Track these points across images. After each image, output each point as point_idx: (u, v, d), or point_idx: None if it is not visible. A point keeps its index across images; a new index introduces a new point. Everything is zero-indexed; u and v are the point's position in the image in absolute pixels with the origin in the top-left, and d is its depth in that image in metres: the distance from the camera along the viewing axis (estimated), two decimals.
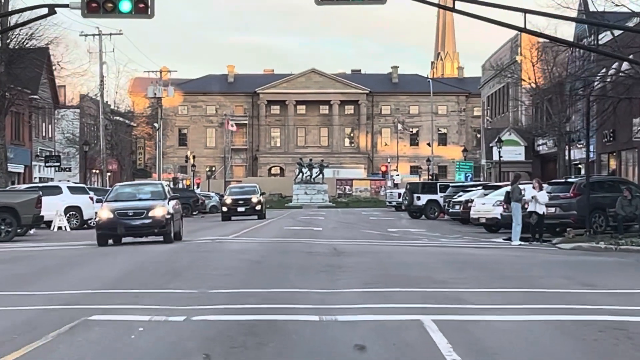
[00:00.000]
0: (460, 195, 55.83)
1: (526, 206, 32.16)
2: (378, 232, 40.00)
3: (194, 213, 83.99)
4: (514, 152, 77.49)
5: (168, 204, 33.25)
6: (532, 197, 32.03)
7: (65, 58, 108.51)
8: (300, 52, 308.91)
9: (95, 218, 38.45)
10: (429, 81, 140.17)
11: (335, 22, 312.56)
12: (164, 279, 18.17)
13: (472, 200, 49.50)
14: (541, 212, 32.21)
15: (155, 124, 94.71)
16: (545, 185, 40.18)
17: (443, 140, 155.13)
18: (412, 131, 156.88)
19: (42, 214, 40.16)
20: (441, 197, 62.83)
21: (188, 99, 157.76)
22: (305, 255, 24.20)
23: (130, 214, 31.60)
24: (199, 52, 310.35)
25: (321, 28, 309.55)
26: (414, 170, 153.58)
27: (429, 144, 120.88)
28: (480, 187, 55.92)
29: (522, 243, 31.87)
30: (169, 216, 32.01)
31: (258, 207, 61.86)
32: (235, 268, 20.65)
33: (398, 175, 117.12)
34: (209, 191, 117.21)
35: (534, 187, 32.69)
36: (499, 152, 72.00)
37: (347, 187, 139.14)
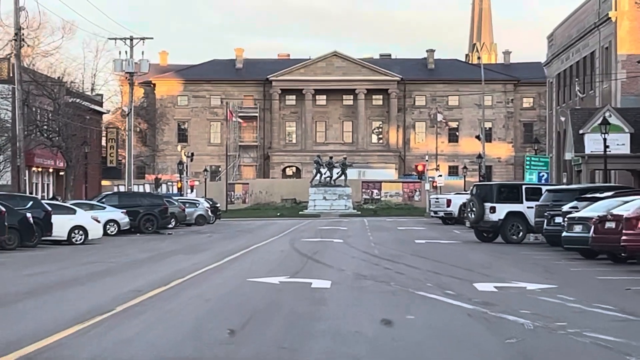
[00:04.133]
0: (575, 209, 32.41)
1: None
2: (464, 305, 16.33)
3: (169, 226, 61.48)
4: (614, 142, 53.80)
5: None
6: None
7: (32, 34, 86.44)
8: (320, 42, 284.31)
9: None
10: (479, 66, 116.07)
11: (359, 25, 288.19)
12: None
13: (612, 218, 26.35)
14: None
15: (125, 107, 71.33)
16: None
17: (487, 135, 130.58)
18: (450, 126, 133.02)
19: None
20: (529, 208, 39.44)
21: (189, 88, 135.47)
22: None
23: None
24: (202, 35, 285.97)
25: (342, 30, 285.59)
26: (453, 171, 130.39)
27: (478, 137, 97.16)
28: (613, 193, 32.62)
29: None
30: None
31: None
32: None
33: (440, 176, 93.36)
34: (204, 196, 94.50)
35: None
36: (605, 139, 48.45)
37: (375, 191, 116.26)
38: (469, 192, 71.27)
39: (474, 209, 40.60)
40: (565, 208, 33.37)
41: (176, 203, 65.96)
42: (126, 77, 71.19)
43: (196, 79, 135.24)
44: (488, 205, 40.11)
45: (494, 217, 39.95)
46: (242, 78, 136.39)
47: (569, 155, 59.31)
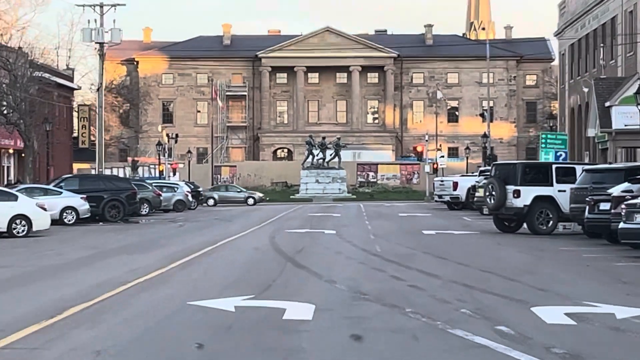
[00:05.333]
0: (630, 192, 25.74)
1: None
2: None
3: (143, 213, 55.27)
4: None
5: None
6: None
7: None
8: (312, 20, 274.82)
9: None
10: (480, 42, 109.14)
11: (353, 3, 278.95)
12: None
13: None
14: None
15: (94, 84, 64.16)
16: None
17: (489, 115, 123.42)
18: (449, 105, 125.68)
19: None
20: (560, 191, 32.65)
21: (174, 66, 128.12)
22: None
23: None
24: (189, 11, 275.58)
25: (336, 7, 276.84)
26: (453, 152, 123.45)
27: (482, 115, 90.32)
28: None
29: None
30: None
31: None
32: None
33: (442, 157, 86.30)
34: (188, 179, 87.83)
35: None
36: None
37: (371, 174, 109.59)
38: (476, 173, 64.57)
39: (493, 193, 33.62)
40: (615, 192, 26.50)
41: (150, 187, 59.16)
42: (95, 48, 63.95)
43: (182, 56, 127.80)
44: (511, 188, 33.14)
45: (519, 203, 32.99)
46: (230, 55, 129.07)
47: (592, 132, 52.39)
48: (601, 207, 27.53)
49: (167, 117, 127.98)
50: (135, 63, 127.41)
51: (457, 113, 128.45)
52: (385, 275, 18.13)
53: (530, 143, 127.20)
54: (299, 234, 32.08)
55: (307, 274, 18.25)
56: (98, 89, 64.40)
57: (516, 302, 13.99)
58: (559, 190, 32.86)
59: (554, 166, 34.05)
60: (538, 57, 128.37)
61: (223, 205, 77.53)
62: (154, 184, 63.76)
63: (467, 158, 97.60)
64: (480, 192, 50.19)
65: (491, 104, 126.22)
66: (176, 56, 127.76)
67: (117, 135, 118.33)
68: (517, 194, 32.99)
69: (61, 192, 45.24)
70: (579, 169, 33.34)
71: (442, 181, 58.96)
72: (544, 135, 57.33)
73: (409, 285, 16.24)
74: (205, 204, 77.22)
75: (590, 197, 28.38)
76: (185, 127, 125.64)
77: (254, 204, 79.90)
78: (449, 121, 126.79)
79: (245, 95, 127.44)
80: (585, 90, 55.38)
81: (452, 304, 13.82)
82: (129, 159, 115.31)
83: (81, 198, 44.93)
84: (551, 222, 33.01)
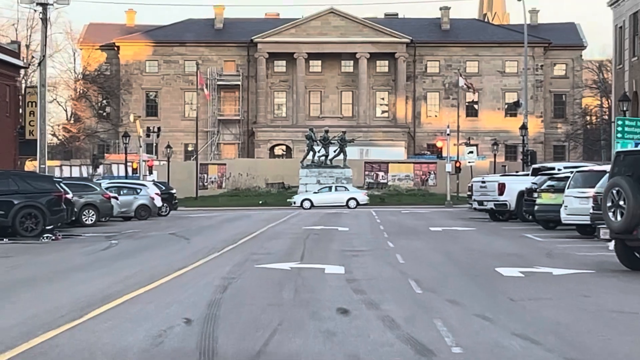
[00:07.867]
0: None
1: None
2: None
3: (88, 222, 42.47)
4: None
5: None
6: None
7: None
8: (314, 3, 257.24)
9: None
10: (501, 26, 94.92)
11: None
12: None
13: None
14: None
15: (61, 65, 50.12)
16: None
17: (512, 108, 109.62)
18: (472, 97, 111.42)
19: None
20: None
21: (159, 52, 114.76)
22: None
23: None
24: None
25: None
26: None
27: (516, 104, 76.10)
28: None
29: None
30: None
31: None
32: None
33: (472, 153, 71.90)
34: (167, 179, 74.46)
35: None
36: None
37: (381, 174, 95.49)
38: (525, 173, 50.60)
39: (620, 202, 19.31)
40: None
41: (98, 189, 45.21)
42: (35, 10, 49.85)
43: (168, 41, 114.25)
44: None
45: None
46: (223, 40, 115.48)
47: None
48: None
49: (151, 109, 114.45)
50: (116, 49, 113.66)
51: (475, 106, 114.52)
52: None
53: (560, 140, 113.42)
54: (279, 274, 17.79)
55: None
56: (40, 63, 50.30)
57: None
58: None
59: None
60: (568, 44, 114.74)
61: None
62: (109, 184, 50.15)
63: (494, 156, 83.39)
64: (544, 199, 36.17)
65: (515, 95, 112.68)
66: (162, 41, 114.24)
67: (92, 128, 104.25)
68: None
69: None
70: None
71: (483, 182, 44.52)
72: (620, 122, 42.98)
73: None
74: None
75: None
76: (171, 120, 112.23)
77: None
78: (467, 115, 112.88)
79: (239, 85, 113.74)
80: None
81: None
82: (107, 156, 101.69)
83: None
84: None
